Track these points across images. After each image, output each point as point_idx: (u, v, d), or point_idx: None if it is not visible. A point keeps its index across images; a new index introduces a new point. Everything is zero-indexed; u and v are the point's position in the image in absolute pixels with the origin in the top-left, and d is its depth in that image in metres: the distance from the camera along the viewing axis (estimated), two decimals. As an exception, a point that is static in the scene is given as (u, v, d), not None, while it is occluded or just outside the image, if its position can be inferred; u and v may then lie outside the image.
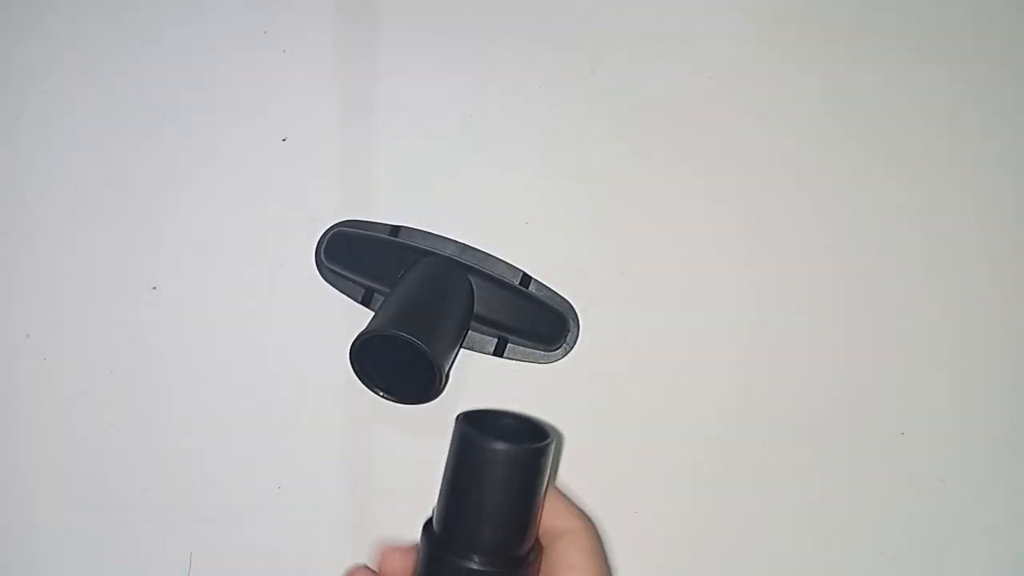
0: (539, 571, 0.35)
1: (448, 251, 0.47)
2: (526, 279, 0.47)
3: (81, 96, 0.51)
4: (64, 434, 0.48)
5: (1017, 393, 0.47)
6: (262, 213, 0.50)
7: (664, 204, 0.49)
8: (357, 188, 0.50)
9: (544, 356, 0.47)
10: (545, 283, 0.47)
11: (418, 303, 0.44)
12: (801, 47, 0.51)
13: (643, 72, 0.50)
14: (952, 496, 0.47)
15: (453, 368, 0.46)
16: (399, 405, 0.43)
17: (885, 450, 0.47)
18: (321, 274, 0.48)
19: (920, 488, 0.47)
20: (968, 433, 0.47)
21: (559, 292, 0.47)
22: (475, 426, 0.33)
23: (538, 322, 0.47)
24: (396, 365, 0.42)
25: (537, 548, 0.35)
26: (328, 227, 0.48)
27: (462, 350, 0.47)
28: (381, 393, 0.43)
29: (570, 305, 0.47)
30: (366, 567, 0.37)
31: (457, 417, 0.34)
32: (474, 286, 0.46)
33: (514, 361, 0.47)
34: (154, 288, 0.49)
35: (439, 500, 0.34)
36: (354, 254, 0.48)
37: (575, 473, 0.46)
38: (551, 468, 0.35)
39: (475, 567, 0.32)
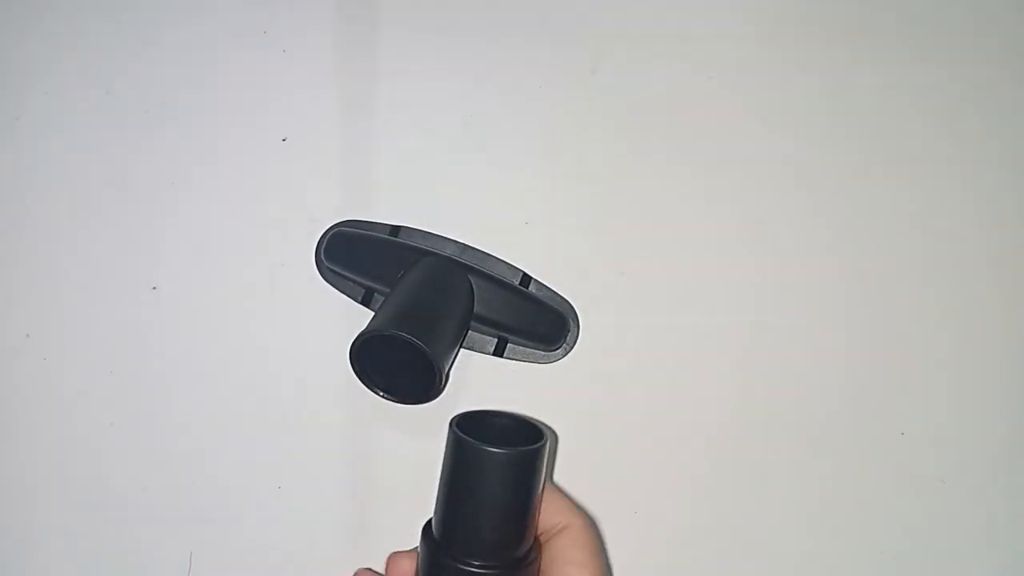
0: (538, 569, 0.35)
1: (448, 251, 0.47)
2: (526, 279, 0.47)
3: (81, 96, 0.51)
4: (64, 434, 0.48)
5: (1017, 393, 0.47)
6: (262, 213, 0.50)
7: (664, 204, 0.49)
8: (357, 188, 0.50)
9: (544, 356, 0.47)
10: (545, 283, 0.47)
11: (418, 303, 0.44)
12: (801, 47, 0.51)
13: (643, 72, 0.50)
14: (952, 496, 0.47)
15: (453, 368, 0.46)
16: (399, 405, 0.43)
17: (885, 450, 0.47)
18: (321, 274, 0.48)
19: (920, 488, 0.47)
20: (968, 433, 0.47)
21: (559, 292, 0.47)
22: (468, 429, 0.33)
23: (538, 322, 0.47)
24: (396, 365, 0.42)
25: (536, 547, 0.35)
26: (328, 227, 0.48)
27: (462, 350, 0.47)
28: (381, 393, 0.43)
29: (570, 305, 0.47)
30: (371, 571, 0.37)
31: (450, 422, 0.34)
32: (474, 286, 0.46)
33: (514, 361, 0.47)
34: (154, 288, 0.49)
35: (437, 504, 0.34)
36: (354, 254, 0.48)
37: (575, 473, 0.46)
38: (547, 467, 0.35)
39: (475, 570, 0.32)
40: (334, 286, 0.48)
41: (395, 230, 0.48)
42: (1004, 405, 0.47)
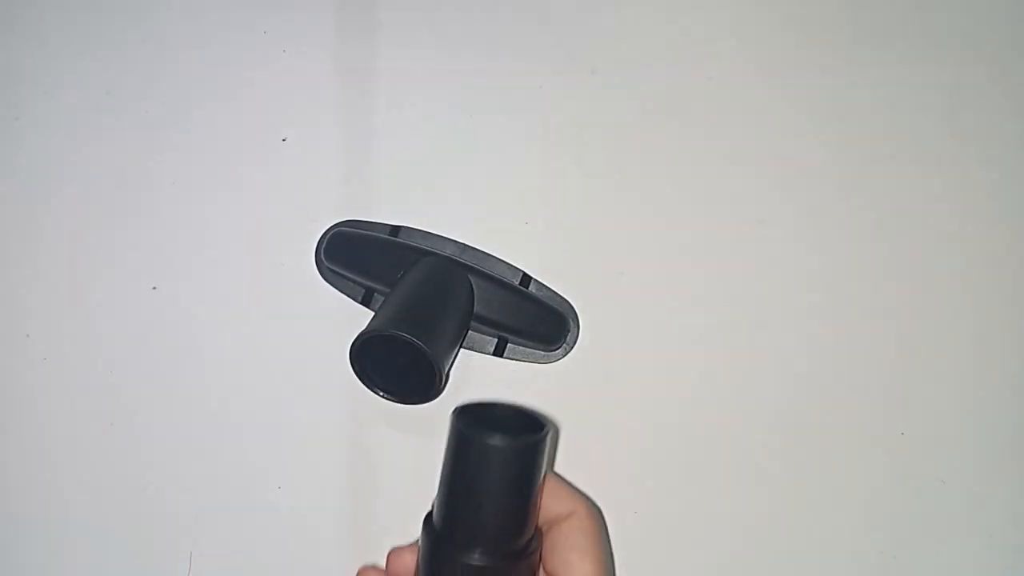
0: (539, 559, 0.35)
1: (448, 251, 0.47)
2: (526, 279, 0.47)
3: (81, 96, 0.51)
4: (64, 434, 0.48)
5: (1017, 393, 0.47)
6: (262, 213, 0.50)
7: (664, 204, 0.49)
8: (357, 188, 0.50)
9: (544, 356, 0.47)
10: (545, 283, 0.47)
11: (418, 303, 0.44)
12: (801, 47, 0.51)
13: (643, 72, 0.50)
14: (952, 496, 0.47)
15: (453, 368, 0.46)
16: (399, 405, 0.43)
17: (885, 450, 0.47)
18: (321, 274, 0.48)
19: (920, 488, 0.47)
20: (968, 433, 0.47)
21: (559, 292, 0.47)
22: (471, 420, 0.33)
23: (538, 322, 0.47)
24: (396, 365, 0.42)
25: (537, 536, 0.35)
26: (328, 227, 0.48)
27: (462, 350, 0.47)
28: (381, 393, 0.43)
29: (570, 305, 0.47)
30: (375, 567, 0.37)
31: (453, 412, 0.34)
32: (474, 286, 0.46)
33: (514, 361, 0.47)
34: (154, 288, 0.49)
35: (438, 495, 0.34)
36: (354, 254, 0.48)
37: (575, 473, 0.45)
38: (548, 457, 0.35)
39: (476, 562, 0.32)
40: (334, 286, 0.48)
41: (395, 230, 0.48)
42: (1004, 405, 0.47)
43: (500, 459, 0.33)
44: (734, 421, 0.47)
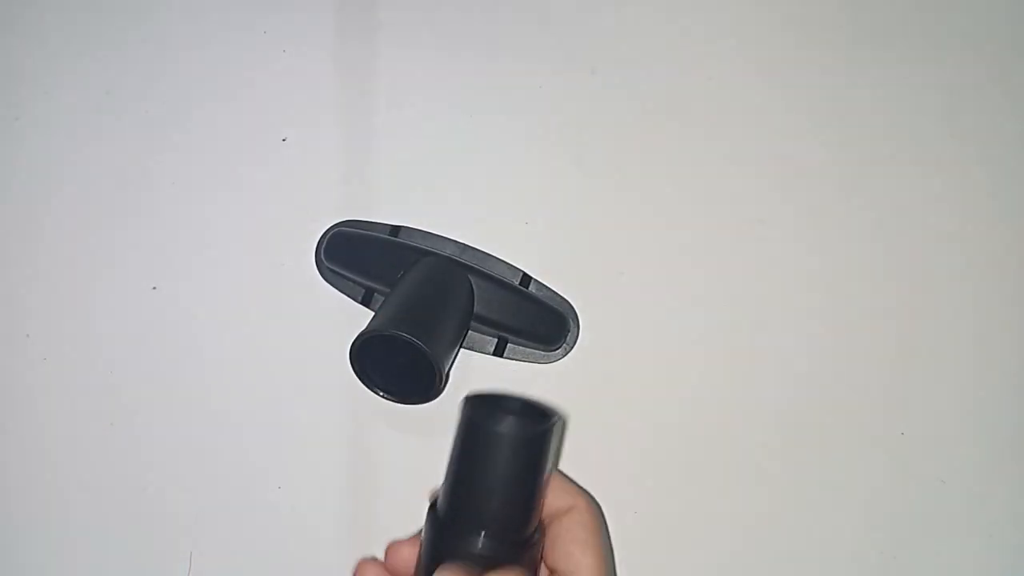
0: (542, 550, 0.35)
1: (448, 251, 0.47)
2: (526, 279, 0.47)
3: (81, 96, 0.51)
4: (64, 434, 0.48)
5: (1017, 393, 0.47)
6: (262, 213, 0.50)
7: (664, 204, 0.49)
8: (357, 188, 0.50)
9: (544, 356, 0.47)
10: (545, 283, 0.47)
11: (418, 303, 0.44)
12: (801, 47, 0.51)
13: (643, 72, 0.50)
14: (952, 496, 0.47)
15: (453, 368, 0.46)
16: (399, 405, 0.43)
17: (885, 450, 0.47)
18: (321, 274, 0.48)
19: (920, 488, 0.47)
20: (968, 433, 0.47)
21: (559, 292, 0.47)
22: (481, 407, 0.33)
23: (538, 322, 0.47)
24: (396, 365, 0.42)
25: (540, 528, 0.35)
26: (328, 227, 0.48)
27: (462, 350, 0.47)
28: (381, 393, 0.43)
29: (570, 305, 0.47)
30: (374, 560, 0.37)
31: (464, 398, 0.34)
32: (474, 286, 0.46)
33: (514, 361, 0.47)
34: (154, 288, 0.49)
35: (444, 483, 0.34)
36: (354, 254, 0.48)
37: (575, 473, 0.45)
38: (556, 450, 0.35)
39: (480, 550, 0.32)
40: (334, 286, 0.48)
41: (395, 230, 0.48)
42: (1005, 405, 0.47)
43: (509, 445, 0.33)
44: (734, 421, 0.47)
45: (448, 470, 0.34)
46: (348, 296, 0.48)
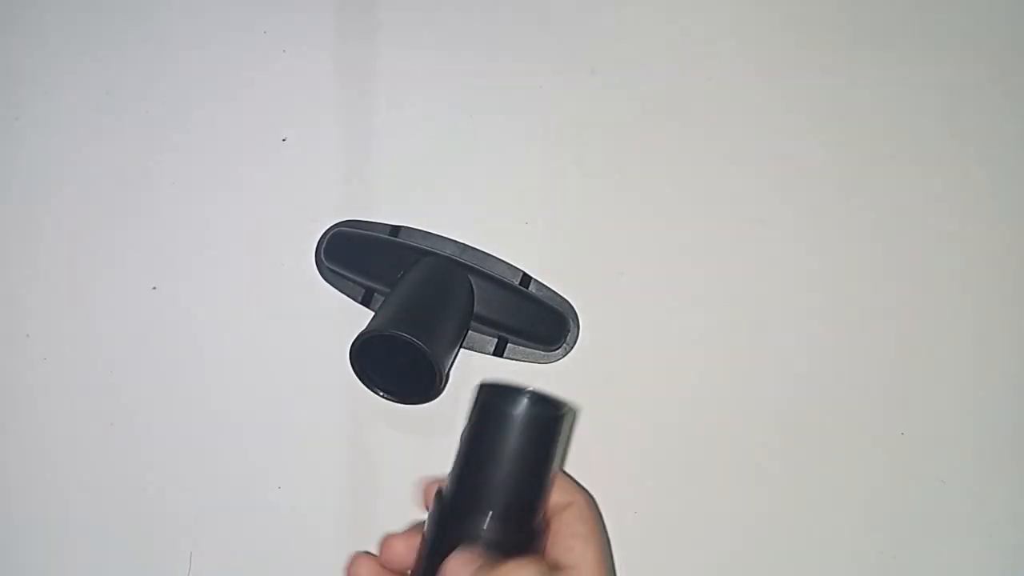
0: (546, 542, 0.35)
1: (448, 251, 0.47)
2: (526, 279, 0.47)
3: (81, 96, 0.51)
4: (64, 434, 0.48)
5: (1017, 393, 0.47)
6: (262, 213, 0.50)
7: (664, 204, 0.49)
8: (357, 188, 0.50)
9: (544, 356, 0.47)
10: (545, 283, 0.47)
11: (418, 303, 0.44)
12: (801, 47, 0.51)
13: (643, 72, 0.50)
14: (952, 496, 0.47)
15: (453, 368, 0.46)
16: (399, 405, 0.43)
17: (885, 450, 0.47)
18: (321, 274, 0.48)
19: (920, 488, 0.47)
20: (968, 433, 0.47)
21: (559, 292, 0.47)
22: (494, 392, 0.34)
23: (538, 322, 0.47)
24: (396, 365, 0.42)
25: (544, 520, 0.35)
26: (328, 227, 0.48)
27: (462, 350, 0.47)
28: (381, 393, 0.43)
29: (570, 305, 0.47)
30: (368, 554, 0.37)
31: (479, 385, 0.34)
32: (474, 286, 0.46)
33: (514, 361, 0.47)
34: (154, 288, 0.49)
35: (453, 468, 0.34)
36: (354, 254, 0.48)
37: (575, 473, 0.46)
38: (564, 442, 0.35)
39: (486, 531, 0.32)
40: (334, 286, 0.48)
41: (395, 230, 0.48)
42: (1004, 405, 0.47)
43: (524, 427, 0.33)
44: (734, 421, 0.47)
45: (458, 455, 0.34)
46: (348, 296, 0.48)
